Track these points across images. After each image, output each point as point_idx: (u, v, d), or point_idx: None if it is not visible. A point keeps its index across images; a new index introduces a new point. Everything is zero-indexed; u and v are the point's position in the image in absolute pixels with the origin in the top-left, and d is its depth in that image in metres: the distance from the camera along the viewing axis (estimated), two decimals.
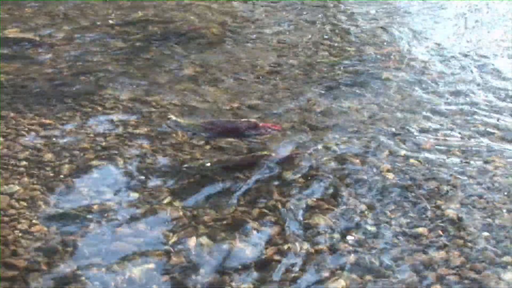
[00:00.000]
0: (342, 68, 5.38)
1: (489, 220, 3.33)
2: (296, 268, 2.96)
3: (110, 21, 6.42)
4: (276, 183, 3.63)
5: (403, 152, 3.98)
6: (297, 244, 3.11)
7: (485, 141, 4.15)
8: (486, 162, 3.88)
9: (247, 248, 3.09)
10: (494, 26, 6.55)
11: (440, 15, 6.94)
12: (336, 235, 3.19)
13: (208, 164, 3.72)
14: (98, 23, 6.35)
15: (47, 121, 4.26)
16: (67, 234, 3.15)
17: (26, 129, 4.16)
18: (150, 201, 3.46)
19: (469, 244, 3.14)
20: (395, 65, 5.42)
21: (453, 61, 5.53)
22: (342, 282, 2.87)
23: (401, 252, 3.07)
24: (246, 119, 4.28)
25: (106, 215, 3.32)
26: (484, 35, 6.28)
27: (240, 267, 2.97)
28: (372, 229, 3.25)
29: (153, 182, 3.64)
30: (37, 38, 5.80)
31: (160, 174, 3.72)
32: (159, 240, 3.15)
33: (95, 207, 3.38)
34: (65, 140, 4.04)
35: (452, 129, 4.30)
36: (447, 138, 4.18)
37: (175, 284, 2.87)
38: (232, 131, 4.16)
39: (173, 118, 4.26)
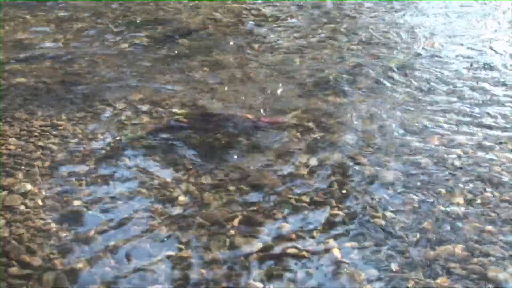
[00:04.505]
0: (349, 66, 5.41)
1: (494, 214, 3.38)
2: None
3: (119, 22, 6.49)
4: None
5: (409, 147, 4.03)
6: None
7: (491, 137, 4.18)
8: (490, 157, 3.91)
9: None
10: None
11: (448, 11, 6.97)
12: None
13: None
14: (107, 24, 6.41)
15: (59, 122, 4.34)
16: (80, 232, 3.22)
17: (39, 130, 4.24)
18: (162, 199, 3.52)
19: (474, 238, 3.18)
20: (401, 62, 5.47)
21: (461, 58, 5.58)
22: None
23: (407, 248, 3.12)
24: (247, 114, 4.39)
25: (118, 213, 3.39)
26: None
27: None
28: (379, 223, 3.31)
29: (164, 180, 3.69)
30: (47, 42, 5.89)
31: (171, 172, 3.78)
32: (172, 236, 3.20)
33: (108, 205, 3.45)
34: (76, 140, 4.11)
35: (459, 125, 4.33)
36: (454, 134, 4.21)
37: (185, 279, 2.93)
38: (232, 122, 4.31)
39: (177, 111, 4.38)
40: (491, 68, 5.32)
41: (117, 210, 3.41)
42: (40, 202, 3.46)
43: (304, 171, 3.78)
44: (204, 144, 4.11)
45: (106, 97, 4.75)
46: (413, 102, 4.69)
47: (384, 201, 3.48)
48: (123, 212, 3.40)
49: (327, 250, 3.10)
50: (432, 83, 5.01)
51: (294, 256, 3.06)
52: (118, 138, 4.16)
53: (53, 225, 3.27)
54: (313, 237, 3.19)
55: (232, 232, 3.23)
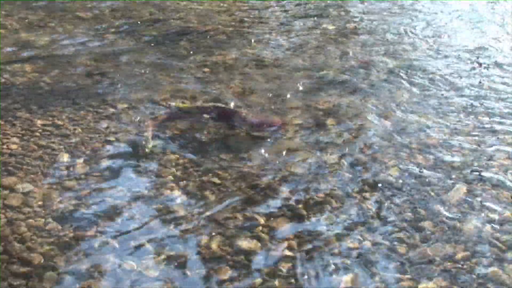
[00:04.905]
0: (349, 66, 5.43)
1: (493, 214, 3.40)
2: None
3: (120, 22, 6.50)
4: None
5: (408, 148, 4.05)
6: None
7: (489, 137, 4.20)
8: (490, 159, 3.93)
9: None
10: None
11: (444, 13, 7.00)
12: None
13: None
14: (109, 24, 6.43)
15: (60, 122, 4.36)
16: (80, 231, 3.23)
17: (40, 129, 4.25)
18: (162, 198, 3.53)
19: (474, 238, 3.20)
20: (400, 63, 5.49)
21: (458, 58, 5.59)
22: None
23: (404, 247, 3.14)
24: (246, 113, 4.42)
25: (119, 212, 3.40)
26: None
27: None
28: (377, 223, 3.33)
29: (166, 179, 3.71)
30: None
31: (171, 171, 3.79)
32: (172, 236, 3.22)
33: (108, 204, 3.46)
34: (78, 140, 4.13)
35: (457, 126, 4.35)
36: (455, 134, 4.22)
37: (187, 279, 2.95)
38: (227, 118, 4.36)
39: (173, 104, 4.52)
40: (493, 68, 5.34)
41: (118, 209, 3.43)
42: (41, 201, 3.47)
43: (303, 171, 3.80)
44: (204, 143, 4.13)
45: (107, 97, 4.76)
46: (413, 102, 4.71)
47: (383, 201, 3.50)
48: (124, 211, 3.41)
49: (327, 250, 3.12)
50: (432, 84, 5.03)
51: (293, 256, 3.08)
52: (119, 137, 4.17)
53: (54, 224, 3.28)
54: (312, 237, 3.21)
55: (232, 231, 3.25)
